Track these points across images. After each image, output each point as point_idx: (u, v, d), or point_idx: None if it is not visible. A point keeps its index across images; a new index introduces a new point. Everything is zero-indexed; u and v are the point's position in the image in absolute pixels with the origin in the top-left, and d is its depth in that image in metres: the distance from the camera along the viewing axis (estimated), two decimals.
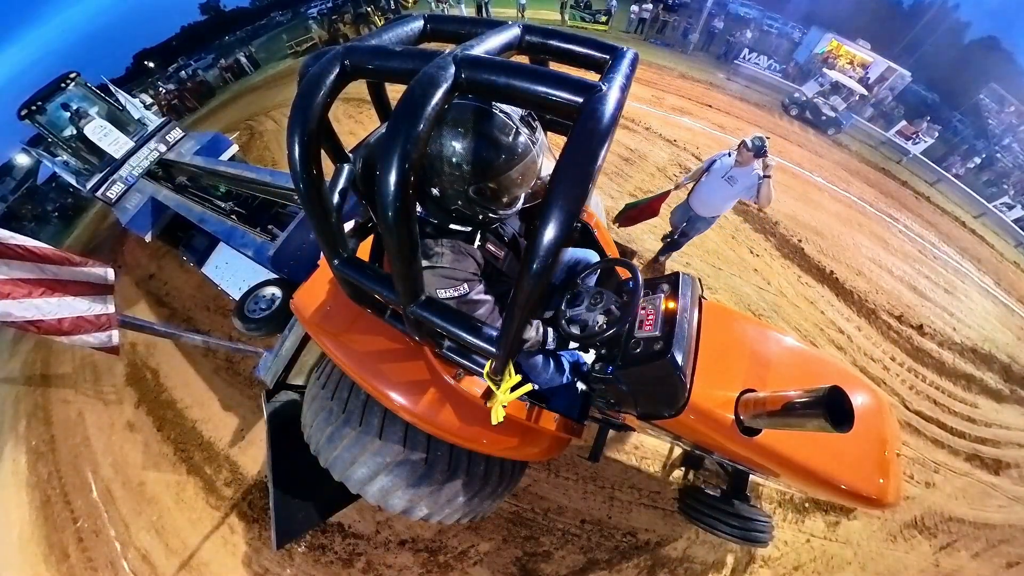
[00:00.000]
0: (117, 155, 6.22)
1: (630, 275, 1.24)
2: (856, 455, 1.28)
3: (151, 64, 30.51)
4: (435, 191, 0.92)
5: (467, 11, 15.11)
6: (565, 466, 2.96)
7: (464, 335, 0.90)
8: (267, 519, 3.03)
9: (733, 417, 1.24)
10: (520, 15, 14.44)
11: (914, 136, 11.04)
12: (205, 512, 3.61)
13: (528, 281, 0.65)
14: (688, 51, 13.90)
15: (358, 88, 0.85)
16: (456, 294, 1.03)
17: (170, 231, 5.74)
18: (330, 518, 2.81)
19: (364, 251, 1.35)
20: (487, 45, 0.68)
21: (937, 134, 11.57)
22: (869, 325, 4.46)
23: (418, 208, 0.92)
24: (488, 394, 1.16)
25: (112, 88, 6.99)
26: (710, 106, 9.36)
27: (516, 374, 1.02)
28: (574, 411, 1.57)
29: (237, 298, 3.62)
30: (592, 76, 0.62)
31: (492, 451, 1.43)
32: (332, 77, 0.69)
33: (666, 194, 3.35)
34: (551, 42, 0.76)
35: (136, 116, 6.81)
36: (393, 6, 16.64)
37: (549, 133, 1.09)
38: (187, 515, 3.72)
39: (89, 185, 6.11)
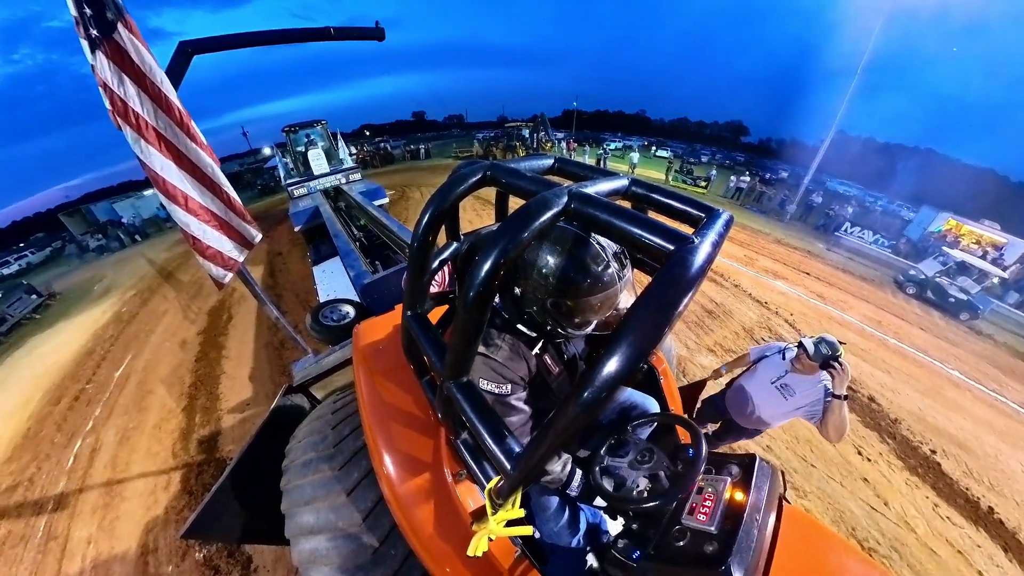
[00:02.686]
0: (315, 172, 8.53)
1: (692, 440, 0.91)
2: None
3: (367, 132, 45.82)
4: (517, 290, 0.91)
5: (589, 161, 17.60)
6: None
7: (486, 435, 0.76)
8: (199, 501, 2.68)
9: None
10: (631, 171, 15.16)
11: None
12: (165, 453, 3.32)
13: (574, 407, 0.53)
14: (785, 219, 11.96)
15: (489, 193, 0.95)
16: (496, 391, 0.93)
17: (311, 232, 6.86)
18: (247, 544, 2.35)
19: (435, 317, 1.36)
20: (598, 187, 0.71)
21: None
22: None
23: (496, 299, 0.88)
24: (479, 515, 0.93)
25: (338, 136, 9.93)
26: (808, 273, 7.85)
27: (521, 507, 0.80)
28: None
29: (321, 301, 3.85)
30: (687, 230, 0.60)
31: None
32: (474, 179, 0.82)
33: (702, 385, 2.48)
34: (653, 195, 0.78)
35: (340, 156, 9.44)
36: (535, 146, 20.72)
37: (636, 271, 1.01)
38: (152, 443, 3.45)
39: (288, 181, 8.33)
